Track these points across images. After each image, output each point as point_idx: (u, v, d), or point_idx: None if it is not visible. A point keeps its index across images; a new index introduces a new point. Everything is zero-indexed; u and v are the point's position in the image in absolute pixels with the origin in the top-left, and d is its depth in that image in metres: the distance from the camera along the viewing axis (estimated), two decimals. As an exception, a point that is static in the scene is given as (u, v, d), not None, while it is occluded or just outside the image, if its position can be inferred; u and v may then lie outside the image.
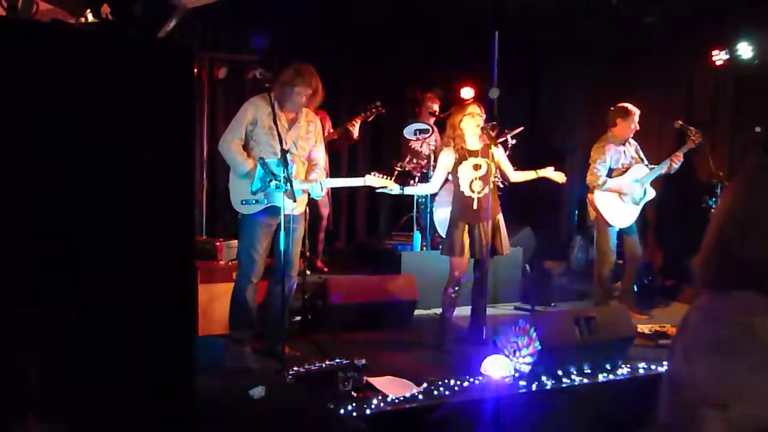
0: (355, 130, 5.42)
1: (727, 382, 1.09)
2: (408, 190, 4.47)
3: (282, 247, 3.66)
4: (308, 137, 3.95)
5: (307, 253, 4.84)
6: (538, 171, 4.53)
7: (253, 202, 3.75)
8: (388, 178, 4.16)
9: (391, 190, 4.25)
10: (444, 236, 4.55)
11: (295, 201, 3.63)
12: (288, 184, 3.51)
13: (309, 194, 4.02)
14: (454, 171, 4.32)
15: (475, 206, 4.24)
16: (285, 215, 3.72)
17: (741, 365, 1.08)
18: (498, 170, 4.55)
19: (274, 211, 3.76)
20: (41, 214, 1.87)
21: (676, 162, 5.05)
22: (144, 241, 2.09)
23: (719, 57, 5.59)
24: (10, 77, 1.68)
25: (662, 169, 5.06)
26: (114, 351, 2.04)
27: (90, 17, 1.86)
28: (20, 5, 1.93)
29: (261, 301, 4.05)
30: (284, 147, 3.62)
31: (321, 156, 4.11)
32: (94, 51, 1.79)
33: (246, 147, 3.82)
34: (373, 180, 4.09)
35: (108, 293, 2.02)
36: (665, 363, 3.13)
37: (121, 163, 1.99)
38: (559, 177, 4.57)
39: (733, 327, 1.11)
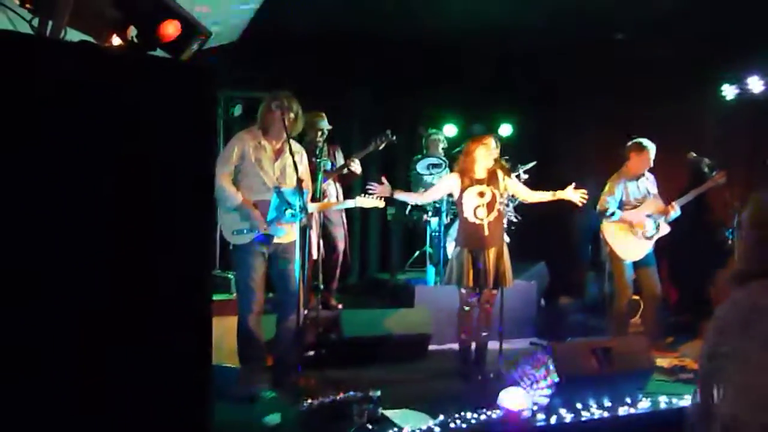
0: (355, 167, 5.44)
1: (747, 360, 1.20)
2: (398, 195, 4.52)
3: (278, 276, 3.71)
4: (294, 167, 3.95)
5: (321, 286, 4.83)
6: (555, 193, 4.54)
7: (245, 231, 3.78)
8: (381, 199, 4.42)
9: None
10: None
11: (311, 228, 3.65)
12: (303, 213, 3.53)
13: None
14: (459, 198, 4.37)
15: (479, 233, 4.27)
16: (276, 244, 3.79)
17: (755, 343, 1.20)
18: (512, 197, 4.62)
19: (266, 239, 3.80)
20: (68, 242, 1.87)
21: (673, 211, 5.02)
22: (163, 270, 2.08)
23: (730, 91, 5.63)
24: (41, 97, 1.70)
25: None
26: (132, 378, 2.02)
27: (116, 41, 1.90)
28: (48, 32, 1.98)
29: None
30: (273, 177, 3.80)
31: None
32: (120, 71, 1.83)
33: (236, 181, 3.87)
34: (364, 201, 4.35)
35: (127, 321, 2.00)
36: (687, 397, 3.05)
37: (141, 186, 2.00)
38: (578, 197, 4.54)
39: (750, 309, 1.25)
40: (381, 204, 4.41)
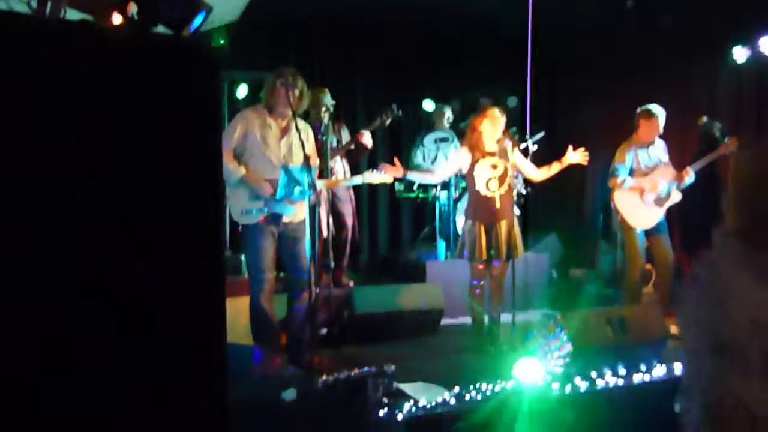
0: (366, 140, 5.38)
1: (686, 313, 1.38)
2: (410, 176, 4.50)
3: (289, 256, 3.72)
4: (301, 145, 3.93)
5: (332, 264, 4.83)
6: (561, 161, 4.51)
7: (254, 211, 3.77)
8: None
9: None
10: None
11: (320, 205, 3.65)
12: (312, 191, 3.51)
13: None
14: (470, 171, 4.33)
15: (490, 205, 4.24)
16: (285, 223, 3.78)
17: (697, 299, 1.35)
18: (519, 173, 4.60)
19: (274, 218, 3.78)
20: (69, 222, 1.85)
21: (688, 176, 4.96)
22: (172, 253, 2.06)
23: (741, 53, 5.53)
24: (36, 77, 1.68)
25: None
26: (147, 358, 2.02)
27: (117, 19, 1.88)
28: (48, 12, 1.95)
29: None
30: (280, 155, 3.75)
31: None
32: (120, 51, 1.80)
33: (241, 160, 3.84)
34: (371, 176, 4.29)
35: (136, 304, 1.99)
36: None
37: (147, 169, 1.97)
38: (581, 157, 4.51)
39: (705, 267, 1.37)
40: (389, 179, 4.39)
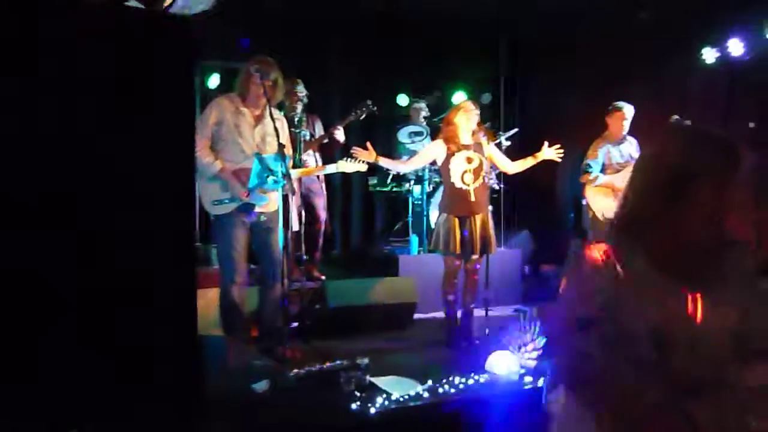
0: (340, 134, 5.33)
1: None
2: (382, 162, 4.45)
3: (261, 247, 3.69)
4: (275, 134, 3.88)
5: (304, 257, 4.77)
6: (535, 155, 4.52)
7: (226, 201, 3.69)
8: (363, 162, 4.34)
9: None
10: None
11: (294, 194, 3.59)
12: (286, 180, 3.45)
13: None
14: (446, 164, 4.32)
15: (465, 199, 4.23)
16: (258, 213, 3.73)
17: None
18: (494, 166, 4.60)
19: (246, 208, 3.72)
20: (39, 211, 1.79)
21: None
22: (145, 237, 2.01)
23: (710, 55, 5.63)
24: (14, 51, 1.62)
25: None
26: (119, 352, 1.97)
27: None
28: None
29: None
30: (253, 143, 3.70)
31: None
32: (96, 24, 1.74)
33: (214, 148, 3.76)
34: (346, 165, 4.29)
35: (111, 294, 1.94)
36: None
37: (119, 149, 1.92)
38: (555, 154, 4.53)
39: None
40: (363, 167, 4.34)
